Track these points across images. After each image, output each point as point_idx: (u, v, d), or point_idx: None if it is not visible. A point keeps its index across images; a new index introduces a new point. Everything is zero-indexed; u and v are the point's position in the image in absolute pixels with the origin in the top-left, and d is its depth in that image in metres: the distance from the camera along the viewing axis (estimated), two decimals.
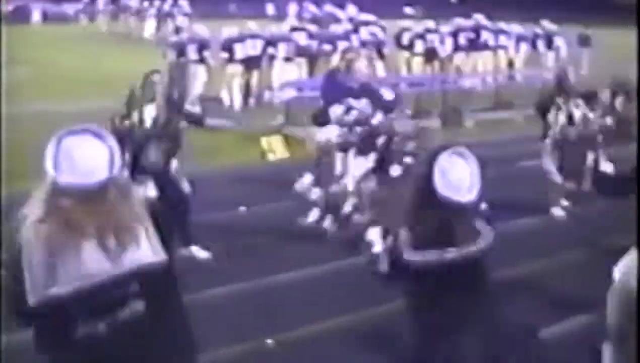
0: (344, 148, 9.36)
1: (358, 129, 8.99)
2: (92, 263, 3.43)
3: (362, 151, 8.86)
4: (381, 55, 21.78)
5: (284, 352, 6.44)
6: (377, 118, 8.93)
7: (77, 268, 3.41)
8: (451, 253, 4.11)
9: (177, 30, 20.08)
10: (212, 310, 7.18)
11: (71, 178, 3.42)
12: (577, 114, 10.03)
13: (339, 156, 9.60)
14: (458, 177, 4.08)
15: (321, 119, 9.55)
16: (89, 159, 3.46)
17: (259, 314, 7.14)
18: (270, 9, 33.47)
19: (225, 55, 18.85)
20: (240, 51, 18.76)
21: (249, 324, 6.92)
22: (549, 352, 6.26)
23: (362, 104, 9.07)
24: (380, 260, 4.34)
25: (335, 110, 9.15)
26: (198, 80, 18.55)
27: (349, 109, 9.06)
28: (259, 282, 7.84)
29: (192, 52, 18.56)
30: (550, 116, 10.31)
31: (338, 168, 9.65)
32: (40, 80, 20.99)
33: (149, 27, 34.62)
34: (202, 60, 18.65)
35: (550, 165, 10.05)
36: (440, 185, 4.08)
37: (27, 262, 3.36)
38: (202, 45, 18.84)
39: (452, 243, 4.13)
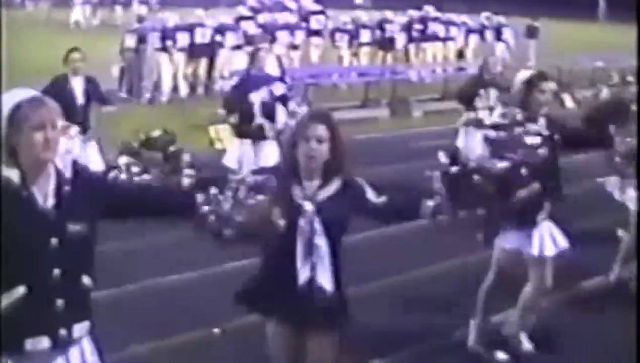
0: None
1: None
2: None
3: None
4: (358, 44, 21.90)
5: (230, 340, 6.43)
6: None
7: None
8: None
9: (139, 18, 19.79)
10: (161, 298, 7.15)
11: None
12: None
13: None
14: None
15: (230, 107, 10.05)
16: None
17: (205, 303, 7.11)
18: None
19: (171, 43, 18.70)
20: (189, 40, 18.66)
21: (195, 313, 6.89)
22: None
23: (262, 94, 9.65)
24: None
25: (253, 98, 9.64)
26: (165, 70, 18.49)
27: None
28: (205, 271, 7.84)
29: (153, 41, 18.48)
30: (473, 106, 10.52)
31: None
32: None
33: (75, 12, 34.41)
34: (164, 49, 18.56)
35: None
36: None
37: None
38: (165, 34, 18.69)
39: None
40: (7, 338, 3.39)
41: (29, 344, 3.42)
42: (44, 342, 3.45)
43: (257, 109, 9.57)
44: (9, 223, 3.37)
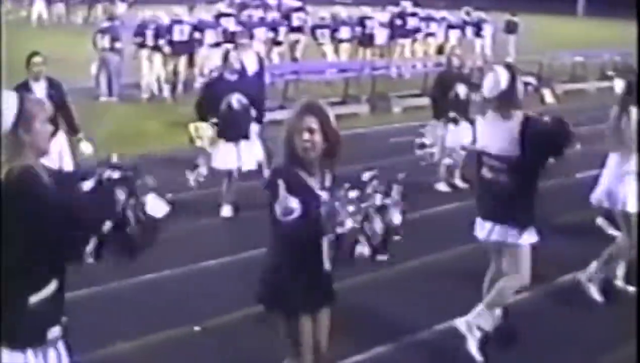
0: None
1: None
2: None
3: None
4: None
5: (211, 338, 6.42)
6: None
7: None
8: None
9: (110, 17, 19.63)
10: (141, 297, 7.12)
11: None
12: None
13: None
14: None
15: (201, 110, 9.79)
16: None
17: (186, 301, 7.10)
18: None
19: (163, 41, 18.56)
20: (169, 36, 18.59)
21: (176, 311, 6.88)
22: None
23: (237, 97, 9.50)
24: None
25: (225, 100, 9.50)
26: (155, 68, 18.40)
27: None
28: (188, 269, 7.85)
29: (148, 39, 18.39)
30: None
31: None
32: None
33: (37, 7, 34.32)
34: (157, 47, 18.44)
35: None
36: None
37: None
38: (158, 32, 18.58)
39: None
40: (35, 330, 3.52)
41: (50, 334, 3.57)
42: (57, 330, 3.61)
43: (225, 110, 9.47)
44: (49, 210, 3.41)
